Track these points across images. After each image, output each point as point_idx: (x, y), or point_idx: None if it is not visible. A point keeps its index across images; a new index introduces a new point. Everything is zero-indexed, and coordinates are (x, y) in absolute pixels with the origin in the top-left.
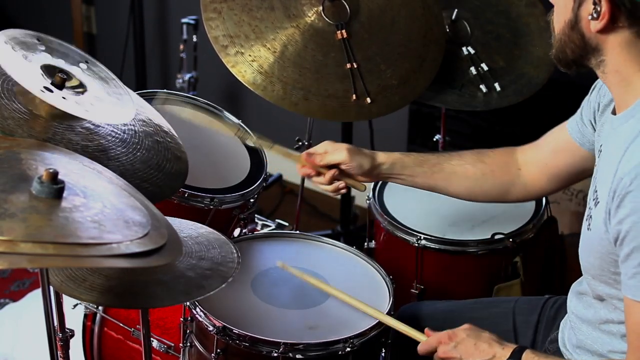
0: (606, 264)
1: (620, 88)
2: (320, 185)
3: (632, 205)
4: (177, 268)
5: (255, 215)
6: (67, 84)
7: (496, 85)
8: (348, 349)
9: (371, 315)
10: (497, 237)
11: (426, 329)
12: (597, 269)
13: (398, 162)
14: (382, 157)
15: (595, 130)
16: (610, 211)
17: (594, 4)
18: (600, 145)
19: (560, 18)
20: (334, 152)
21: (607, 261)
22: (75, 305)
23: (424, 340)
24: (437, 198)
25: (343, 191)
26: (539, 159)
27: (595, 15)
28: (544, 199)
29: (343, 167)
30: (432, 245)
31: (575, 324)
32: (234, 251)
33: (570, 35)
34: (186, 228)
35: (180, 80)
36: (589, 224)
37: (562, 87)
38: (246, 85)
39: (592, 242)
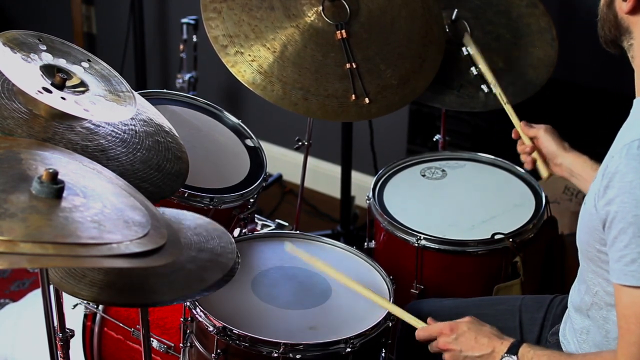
0: (593, 240)
1: None
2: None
3: (620, 185)
4: (177, 261)
5: (255, 215)
6: (68, 83)
7: (490, 88)
8: (348, 349)
9: (376, 302)
10: (497, 237)
11: (429, 318)
12: (584, 244)
13: (583, 162)
14: (572, 152)
15: None
16: (599, 190)
17: None
18: None
19: None
20: (537, 126)
21: (594, 237)
22: (75, 305)
23: (425, 326)
24: (437, 198)
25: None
26: None
27: None
28: (543, 199)
29: (535, 141)
30: (432, 245)
31: (570, 313)
32: (233, 241)
33: (607, 14)
34: (184, 219)
35: (180, 80)
36: (585, 199)
37: (562, 87)
38: (246, 85)
39: (584, 216)
